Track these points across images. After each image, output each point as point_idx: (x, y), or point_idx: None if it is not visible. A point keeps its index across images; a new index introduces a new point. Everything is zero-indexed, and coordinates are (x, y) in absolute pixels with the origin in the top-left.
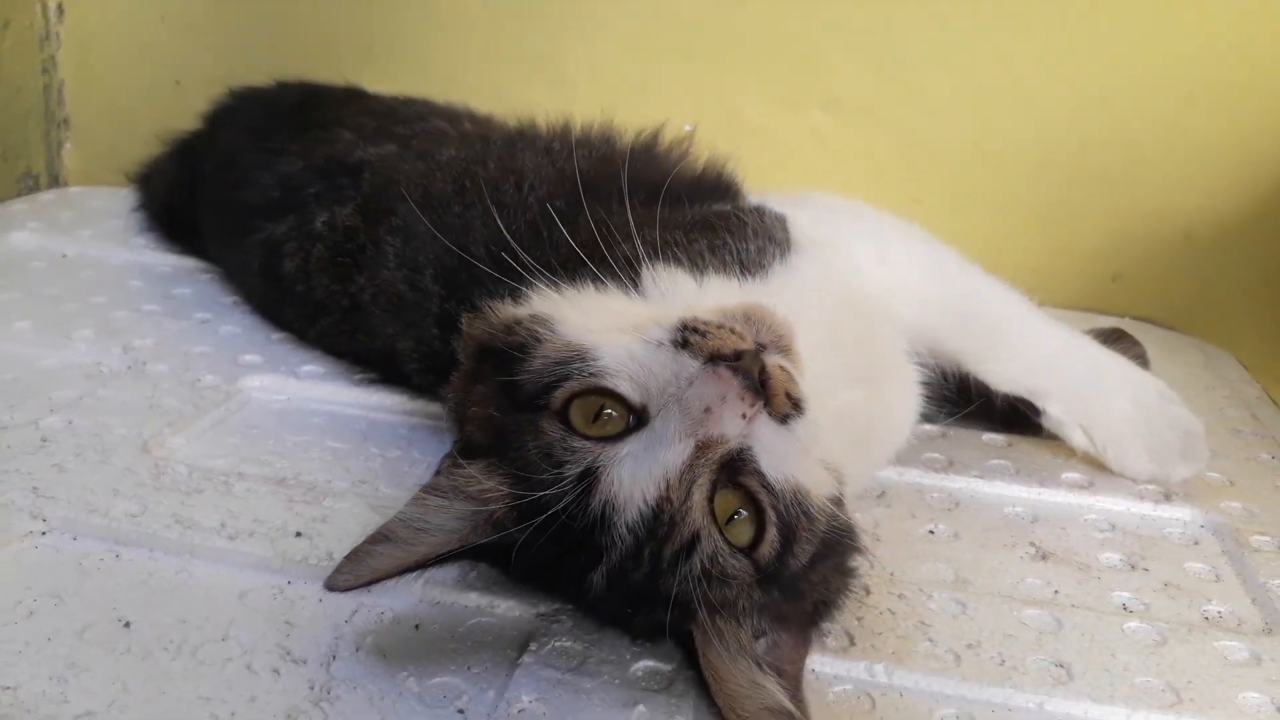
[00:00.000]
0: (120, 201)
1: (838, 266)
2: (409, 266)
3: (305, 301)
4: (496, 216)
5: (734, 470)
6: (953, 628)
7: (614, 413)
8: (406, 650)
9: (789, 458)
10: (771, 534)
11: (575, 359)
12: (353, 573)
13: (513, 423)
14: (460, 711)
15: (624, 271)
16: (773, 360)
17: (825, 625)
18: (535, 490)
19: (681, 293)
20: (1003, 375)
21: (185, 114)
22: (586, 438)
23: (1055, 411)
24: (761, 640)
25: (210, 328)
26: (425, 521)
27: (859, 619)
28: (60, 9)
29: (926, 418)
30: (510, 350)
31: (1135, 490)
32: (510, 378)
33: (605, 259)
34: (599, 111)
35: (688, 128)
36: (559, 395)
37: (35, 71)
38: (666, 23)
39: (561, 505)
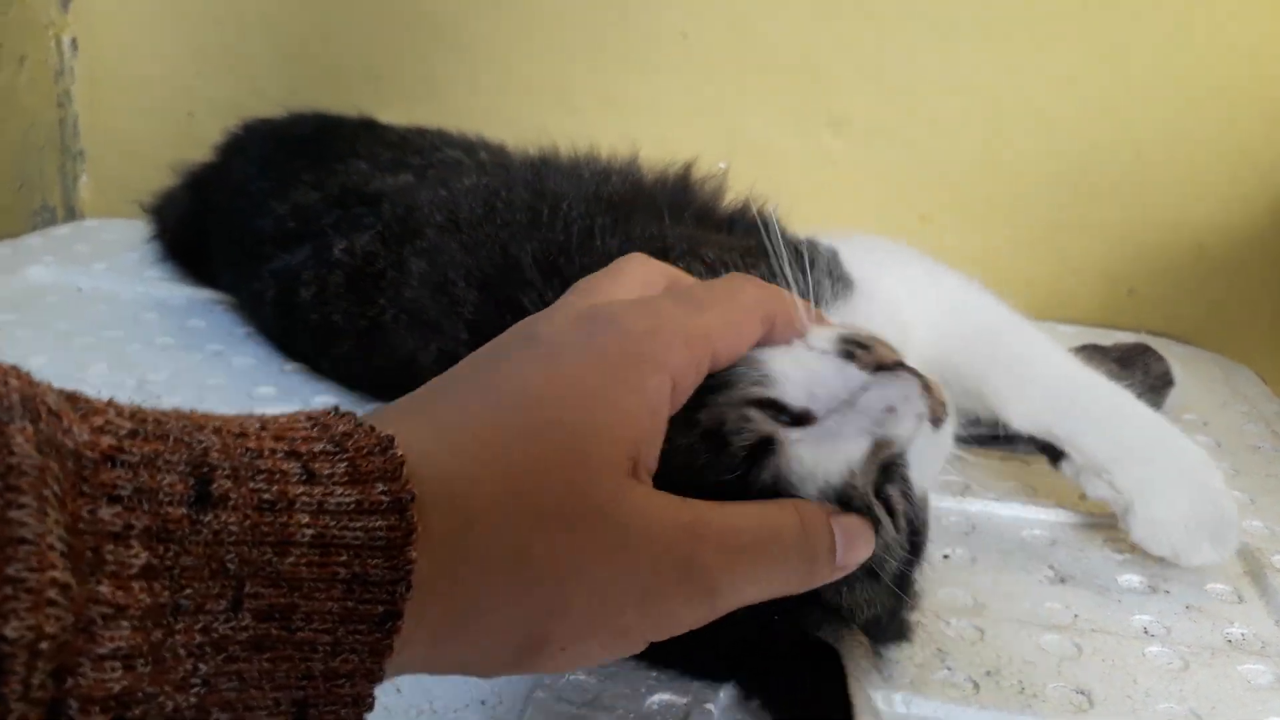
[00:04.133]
0: (135, 233)
1: (885, 302)
2: (434, 283)
3: (320, 329)
4: (542, 229)
5: (887, 475)
6: (971, 655)
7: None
8: (422, 686)
9: (925, 466)
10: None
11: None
12: None
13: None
14: None
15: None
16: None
17: None
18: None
19: None
20: (1024, 415)
21: (199, 145)
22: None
23: (1078, 457)
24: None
25: (224, 359)
26: None
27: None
28: (74, 43)
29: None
30: None
31: None
32: None
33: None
34: (609, 133)
35: (721, 165)
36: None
37: (50, 105)
38: (674, 45)
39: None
